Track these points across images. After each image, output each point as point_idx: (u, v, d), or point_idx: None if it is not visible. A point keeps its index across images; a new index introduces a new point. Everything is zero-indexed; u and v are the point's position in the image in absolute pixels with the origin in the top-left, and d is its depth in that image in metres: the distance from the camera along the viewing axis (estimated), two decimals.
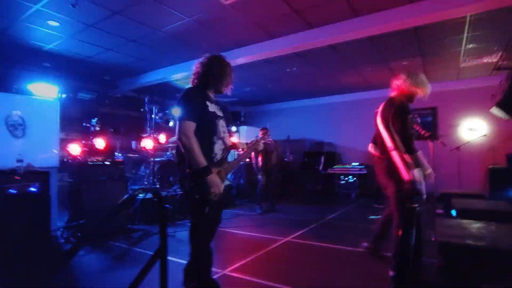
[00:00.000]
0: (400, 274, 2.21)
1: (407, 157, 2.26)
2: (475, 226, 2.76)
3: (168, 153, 5.62)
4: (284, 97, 7.97)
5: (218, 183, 1.86)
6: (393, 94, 2.52)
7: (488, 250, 2.17)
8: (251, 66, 5.15)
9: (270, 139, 5.43)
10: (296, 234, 3.85)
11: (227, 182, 2.16)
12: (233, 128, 6.76)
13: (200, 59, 2.09)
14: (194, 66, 2.09)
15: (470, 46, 4.46)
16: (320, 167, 6.97)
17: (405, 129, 2.32)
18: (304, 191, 7.27)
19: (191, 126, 1.84)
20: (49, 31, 3.74)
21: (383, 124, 2.41)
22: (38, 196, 3.59)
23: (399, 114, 2.33)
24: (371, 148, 5.28)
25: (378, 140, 2.58)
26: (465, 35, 4.05)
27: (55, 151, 4.46)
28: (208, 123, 1.96)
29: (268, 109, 8.96)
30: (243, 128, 8.03)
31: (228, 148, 2.10)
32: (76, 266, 2.87)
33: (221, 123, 2.07)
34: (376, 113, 2.60)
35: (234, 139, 5.70)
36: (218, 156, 1.99)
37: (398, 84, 2.50)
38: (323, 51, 4.52)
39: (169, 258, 2.99)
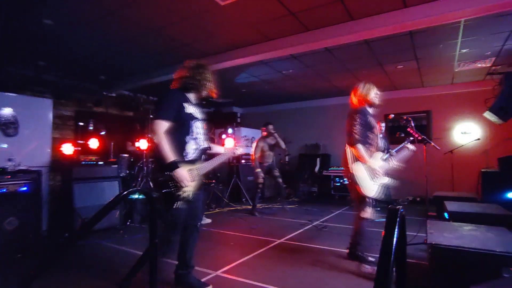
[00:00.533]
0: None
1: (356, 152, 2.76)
2: (466, 228, 2.79)
3: None
4: (280, 99, 7.99)
5: (185, 177, 1.98)
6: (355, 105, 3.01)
7: (478, 253, 2.19)
8: (247, 67, 5.15)
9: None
10: (290, 236, 3.85)
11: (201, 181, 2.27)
12: (229, 130, 6.76)
13: (184, 64, 2.28)
14: (177, 70, 2.27)
15: (464, 51, 4.52)
16: (316, 169, 7.00)
17: (358, 129, 2.77)
18: (300, 193, 7.28)
19: (163, 124, 2.01)
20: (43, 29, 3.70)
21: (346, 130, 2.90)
22: (29, 196, 3.56)
23: (350, 117, 2.90)
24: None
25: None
26: (459, 40, 4.10)
27: (48, 150, 4.44)
28: (182, 123, 2.11)
29: (264, 110, 8.97)
30: (240, 130, 8.03)
31: (203, 149, 2.25)
32: (63, 266, 2.84)
33: (198, 125, 2.21)
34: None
35: (231, 141, 5.71)
36: (190, 156, 2.14)
37: (356, 96, 3.03)
38: (319, 53, 4.55)
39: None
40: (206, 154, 2.34)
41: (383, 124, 5.77)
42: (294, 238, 3.76)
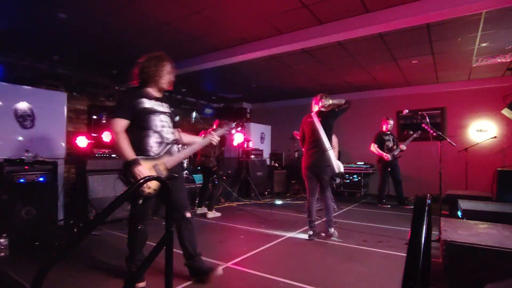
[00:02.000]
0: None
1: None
2: (481, 226, 2.73)
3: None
4: (291, 94, 7.93)
5: (143, 174, 1.93)
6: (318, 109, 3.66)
7: (494, 250, 2.14)
8: (257, 62, 5.12)
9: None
10: (299, 231, 3.84)
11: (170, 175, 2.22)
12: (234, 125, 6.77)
13: (139, 60, 2.24)
14: (135, 66, 2.25)
15: (484, 45, 4.37)
16: None
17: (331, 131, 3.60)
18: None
19: (118, 122, 2.02)
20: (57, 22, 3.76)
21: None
22: (45, 186, 3.66)
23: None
24: (372, 147, 5.43)
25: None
26: (479, 33, 3.96)
27: (62, 143, 4.53)
28: (141, 119, 2.09)
29: (274, 106, 8.93)
30: (249, 125, 8.03)
31: (169, 142, 2.19)
32: (78, 254, 2.91)
33: (161, 118, 2.17)
34: (311, 121, 3.62)
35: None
36: (155, 149, 2.11)
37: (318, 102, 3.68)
38: (331, 47, 4.48)
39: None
40: (178, 146, 2.30)
41: (391, 122, 5.72)
42: (304, 233, 3.75)
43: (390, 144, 5.62)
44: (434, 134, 3.49)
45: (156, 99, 2.22)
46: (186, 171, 5.46)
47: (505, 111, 4.79)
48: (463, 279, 2.28)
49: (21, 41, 4.36)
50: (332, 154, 3.44)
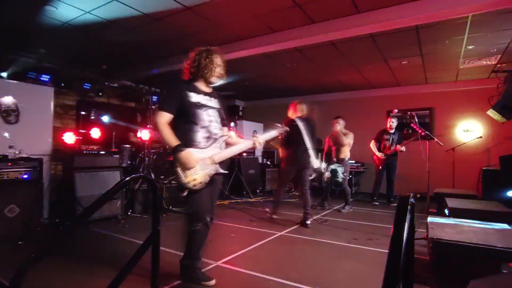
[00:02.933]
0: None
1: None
2: (467, 224, 2.80)
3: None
4: (284, 92, 7.95)
5: (190, 159, 1.95)
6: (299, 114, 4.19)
7: (478, 248, 2.20)
8: (250, 60, 5.10)
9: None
10: (291, 229, 3.86)
11: (219, 171, 2.16)
12: (231, 124, 6.74)
13: (191, 54, 2.22)
14: (185, 61, 2.23)
15: (470, 47, 4.47)
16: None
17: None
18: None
19: (163, 116, 2.03)
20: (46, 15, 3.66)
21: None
22: (30, 184, 3.56)
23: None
24: (371, 144, 5.50)
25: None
26: (466, 36, 4.05)
27: (49, 139, 4.42)
28: (189, 113, 2.07)
29: (267, 104, 8.93)
30: (242, 123, 8.01)
31: (217, 137, 2.16)
32: (63, 254, 2.85)
33: (209, 113, 2.15)
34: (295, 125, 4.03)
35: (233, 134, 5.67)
36: (202, 144, 2.08)
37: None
38: (323, 47, 4.50)
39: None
40: (224, 143, 2.23)
41: (394, 120, 5.71)
42: (295, 231, 3.77)
43: (388, 143, 5.63)
44: (423, 133, 3.56)
45: (205, 93, 2.20)
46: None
47: (490, 112, 4.90)
48: (449, 276, 2.34)
49: (7, 33, 4.23)
50: (312, 153, 3.95)
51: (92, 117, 4.99)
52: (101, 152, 4.45)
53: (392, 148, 5.57)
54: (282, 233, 3.68)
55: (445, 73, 5.90)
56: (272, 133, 2.56)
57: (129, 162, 5.15)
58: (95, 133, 4.80)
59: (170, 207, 4.83)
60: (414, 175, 6.36)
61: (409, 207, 0.83)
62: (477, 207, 3.48)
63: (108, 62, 5.52)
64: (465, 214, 3.28)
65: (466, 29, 3.84)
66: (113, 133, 5.28)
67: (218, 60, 2.20)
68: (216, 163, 2.11)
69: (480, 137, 6.03)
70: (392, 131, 5.70)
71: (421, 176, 4.54)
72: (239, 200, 5.95)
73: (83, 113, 5.03)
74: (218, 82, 2.26)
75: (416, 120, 3.67)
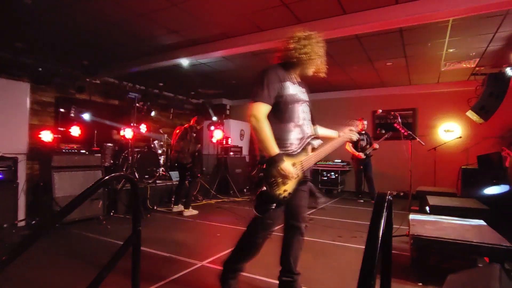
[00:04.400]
0: None
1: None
2: (446, 221, 2.89)
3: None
4: None
5: (292, 172, 1.62)
6: None
7: (456, 243, 2.27)
8: (237, 58, 5.07)
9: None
10: (276, 228, 3.86)
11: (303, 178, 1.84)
12: (214, 118, 6.67)
13: (293, 34, 1.85)
14: (284, 41, 1.86)
15: (451, 50, 4.61)
16: None
17: None
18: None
19: (263, 108, 1.65)
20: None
21: None
22: (4, 184, 3.41)
23: None
24: (347, 146, 5.59)
25: None
26: (447, 39, 4.17)
27: (25, 137, 4.24)
28: (285, 107, 1.74)
29: None
30: (229, 122, 7.97)
31: (307, 138, 1.85)
32: (41, 256, 2.75)
33: (302, 108, 1.85)
34: None
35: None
36: (294, 147, 1.76)
37: None
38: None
39: (143, 248, 2.92)
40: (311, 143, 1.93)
41: (365, 122, 5.91)
42: (281, 230, 3.77)
43: (364, 143, 5.91)
44: (405, 133, 3.64)
45: (299, 84, 1.88)
46: (163, 168, 5.31)
47: (469, 113, 5.08)
48: (429, 271, 2.41)
49: None
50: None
51: (72, 115, 4.82)
52: (82, 151, 4.31)
53: (368, 147, 5.84)
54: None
55: (427, 75, 6.07)
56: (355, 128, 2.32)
57: (111, 161, 5.02)
58: (75, 131, 4.65)
59: (155, 207, 4.74)
60: (397, 174, 6.52)
61: (386, 204, 0.84)
62: (456, 204, 3.60)
63: (89, 58, 5.34)
64: (445, 211, 3.39)
65: (447, 32, 3.96)
66: (95, 132, 5.13)
67: (320, 50, 1.85)
68: (304, 170, 1.80)
69: (460, 137, 6.24)
70: (363, 132, 5.94)
71: (404, 174, 4.67)
72: (225, 200, 5.92)
73: (62, 110, 4.84)
74: (317, 72, 1.94)
75: (399, 120, 3.75)
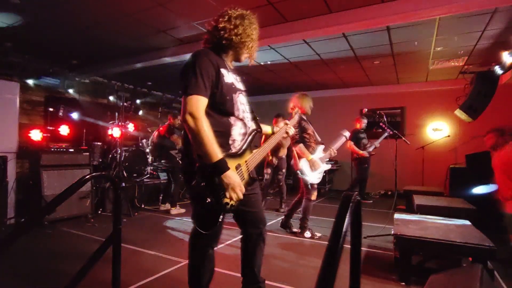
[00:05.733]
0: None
1: (298, 150, 3.33)
2: (430, 220, 2.91)
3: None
4: (260, 91, 7.95)
5: (238, 183, 1.37)
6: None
7: (439, 243, 2.29)
8: None
9: None
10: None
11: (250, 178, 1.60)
12: None
13: (223, 13, 1.59)
14: (211, 21, 1.60)
15: (438, 49, 4.64)
16: (292, 162, 7.05)
17: (297, 132, 3.34)
18: (276, 185, 7.34)
19: (199, 102, 1.34)
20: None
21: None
22: None
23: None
24: (350, 145, 5.38)
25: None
26: (434, 37, 4.20)
27: (14, 136, 4.21)
28: (222, 99, 1.46)
29: None
30: None
31: (251, 132, 1.61)
32: (28, 253, 2.73)
33: (241, 99, 1.58)
34: None
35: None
36: (237, 144, 1.51)
37: (295, 103, 3.46)
38: (297, 45, 4.53)
39: (128, 246, 2.92)
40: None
41: (365, 121, 5.79)
42: (267, 228, 3.78)
43: (366, 141, 5.70)
44: (391, 132, 3.67)
45: (233, 71, 1.61)
46: (151, 167, 5.29)
47: (458, 112, 5.12)
48: (412, 271, 2.43)
49: None
50: (295, 153, 3.41)
51: (61, 114, 4.78)
52: (70, 150, 4.29)
53: (369, 145, 5.66)
54: None
55: (416, 74, 6.10)
56: (295, 118, 2.16)
57: (100, 160, 4.99)
58: (64, 130, 4.62)
59: (142, 205, 4.73)
60: (385, 173, 6.56)
61: (355, 204, 0.85)
62: (442, 204, 3.63)
63: (78, 57, 5.29)
64: (431, 210, 3.41)
65: (434, 31, 3.98)
66: (84, 130, 5.10)
67: (255, 32, 1.61)
68: (250, 170, 1.57)
69: (448, 136, 6.30)
70: (362, 130, 5.81)
71: (392, 174, 4.66)
72: None
73: (51, 109, 4.80)
74: (253, 54, 1.68)
75: (385, 119, 3.77)
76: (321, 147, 3.50)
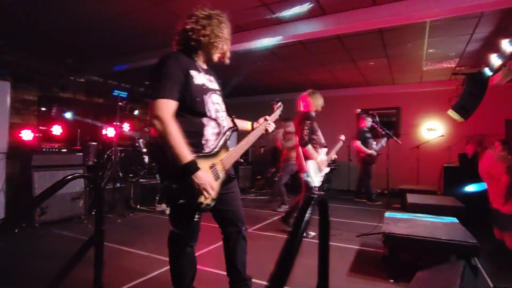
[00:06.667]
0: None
1: (306, 151, 3.26)
2: (420, 219, 2.96)
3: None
4: (256, 91, 7.98)
5: (209, 183, 1.40)
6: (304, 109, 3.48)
7: (426, 240, 2.33)
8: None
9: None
10: (258, 226, 3.91)
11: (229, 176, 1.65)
12: None
13: (191, 14, 1.60)
14: (181, 21, 1.61)
15: (431, 51, 4.70)
16: (291, 162, 7.07)
17: (307, 132, 3.27)
18: (274, 185, 7.37)
19: (168, 105, 1.37)
20: None
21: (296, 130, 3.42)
22: None
23: (300, 122, 3.35)
24: (358, 144, 5.19)
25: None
26: (426, 40, 4.25)
27: (5, 136, 4.18)
28: (193, 100, 1.49)
29: (238, 102, 8.94)
30: None
31: (226, 131, 1.63)
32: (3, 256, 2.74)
33: (214, 99, 1.59)
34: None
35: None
36: (211, 143, 1.54)
37: (306, 102, 3.47)
38: (293, 46, 4.56)
39: (119, 247, 2.92)
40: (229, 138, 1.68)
41: (370, 119, 5.52)
42: (262, 228, 3.81)
43: (373, 140, 5.61)
44: (383, 132, 3.71)
45: (206, 72, 1.63)
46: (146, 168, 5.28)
47: (450, 112, 5.18)
48: (401, 268, 2.47)
49: None
50: (300, 154, 3.31)
51: (53, 114, 4.76)
52: (63, 150, 4.27)
53: (374, 145, 5.54)
54: (249, 230, 3.70)
55: (410, 74, 6.16)
56: (273, 116, 2.10)
57: (95, 160, 4.98)
58: (57, 130, 4.60)
59: (138, 206, 4.73)
60: (381, 172, 6.60)
61: (323, 205, 0.88)
62: (433, 202, 3.69)
63: (73, 56, 5.28)
64: (422, 209, 3.48)
65: (426, 33, 4.03)
66: (78, 130, 5.09)
67: (228, 31, 1.64)
68: (226, 169, 1.59)
69: (442, 135, 6.37)
70: (367, 129, 5.69)
71: (387, 172, 4.69)
72: None
73: (43, 109, 4.78)
74: (225, 53, 1.67)
75: (377, 119, 3.81)
76: (325, 150, 3.52)
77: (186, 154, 1.34)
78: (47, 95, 5.71)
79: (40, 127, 4.58)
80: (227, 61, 1.70)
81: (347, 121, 6.87)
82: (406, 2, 3.26)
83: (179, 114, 1.44)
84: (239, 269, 1.77)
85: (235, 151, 1.64)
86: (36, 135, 4.26)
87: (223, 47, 1.62)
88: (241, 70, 6.02)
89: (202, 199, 1.40)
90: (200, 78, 1.54)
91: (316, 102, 3.43)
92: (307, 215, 0.75)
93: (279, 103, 2.16)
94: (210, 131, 1.54)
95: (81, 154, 4.43)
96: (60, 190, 3.93)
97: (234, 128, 1.71)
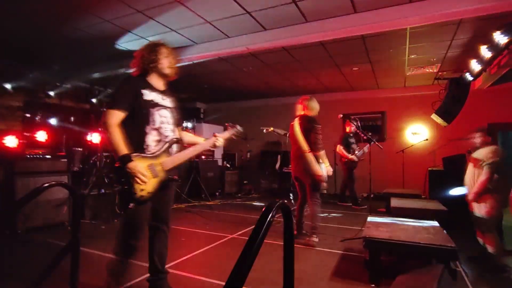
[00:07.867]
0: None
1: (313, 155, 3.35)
2: (401, 223, 3.00)
3: None
4: (243, 95, 8.03)
5: (139, 171, 1.74)
6: (303, 112, 3.57)
7: (405, 245, 2.36)
8: (207, 63, 5.10)
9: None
10: (244, 231, 3.91)
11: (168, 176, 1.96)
12: (189, 125, 6.66)
13: (143, 45, 2.04)
14: (137, 51, 2.04)
15: (412, 56, 4.82)
16: (277, 166, 7.12)
17: (312, 135, 3.37)
18: (261, 189, 7.40)
19: (114, 115, 1.81)
20: None
21: (301, 133, 3.44)
22: None
23: (308, 124, 3.42)
24: (338, 149, 5.28)
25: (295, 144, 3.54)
26: (407, 46, 4.36)
27: None
28: (140, 112, 1.88)
29: (228, 107, 8.96)
30: (202, 126, 7.96)
31: (169, 141, 1.98)
32: None
33: (161, 113, 1.97)
34: (292, 125, 3.61)
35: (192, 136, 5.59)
36: (152, 148, 1.90)
37: (304, 105, 3.56)
38: (277, 52, 4.62)
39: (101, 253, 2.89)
40: (178, 146, 2.06)
41: (355, 123, 5.50)
42: (248, 233, 3.81)
43: (355, 146, 5.69)
44: (364, 137, 3.77)
45: (160, 92, 2.02)
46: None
47: (434, 116, 5.30)
48: (381, 272, 2.50)
49: None
50: (312, 158, 3.34)
51: (37, 119, 4.70)
52: (47, 156, 4.20)
53: (357, 149, 5.61)
54: (234, 235, 3.71)
55: (394, 79, 6.29)
56: (225, 134, 2.29)
57: (80, 166, 4.93)
58: (42, 136, 4.53)
59: (123, 212, 4.68)
60: (365, 176, 6.66)
61: (286, 212, 0.90)
62: (416, 206, 3.74)
63: (59, 62, 5.24)
64: (405, 212, 3.50)
65: (407, 39, 4.14)
66: (64, 136, 5.02)
67: (165, 50, 2.02)
68: (166, 170, 1.92)
69: (427, 139, 6.49)
70: (351, 134, 5.76)
71: (373, 177, 4.78)
72: (196, 204, 5.89)
73: (28, 115, 4.72)
74: (172, 73, 2.06)
75: (359, 124, 3.88)
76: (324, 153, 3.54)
77: (122, 149, 1.75)
78: (32, 100, 5.64)
79: (25, 133, 4.50)
80: (174, 77, 2.10)
81: (331, 125, 6.93)
82: (386, 9, 3.35)
83: (128, 122, 1.84)
84: (155, 260, 2.06)
85: (177, 157, 1.99)
86: (21, 141, 4.19)
87: (167, 70, 2.02)
88: (228, 75, 6.06)
89: (138, 189, 1.76)
90: (150, 95, 1.93)
91: (313, 107, 3.55)
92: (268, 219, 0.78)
93: (237, 127, 2.36)
94: (151, 138, 1.91)
95: (66, 160, 4.38)
96: (43, 196, 3.88)
97: (178, 139, 2.06)
